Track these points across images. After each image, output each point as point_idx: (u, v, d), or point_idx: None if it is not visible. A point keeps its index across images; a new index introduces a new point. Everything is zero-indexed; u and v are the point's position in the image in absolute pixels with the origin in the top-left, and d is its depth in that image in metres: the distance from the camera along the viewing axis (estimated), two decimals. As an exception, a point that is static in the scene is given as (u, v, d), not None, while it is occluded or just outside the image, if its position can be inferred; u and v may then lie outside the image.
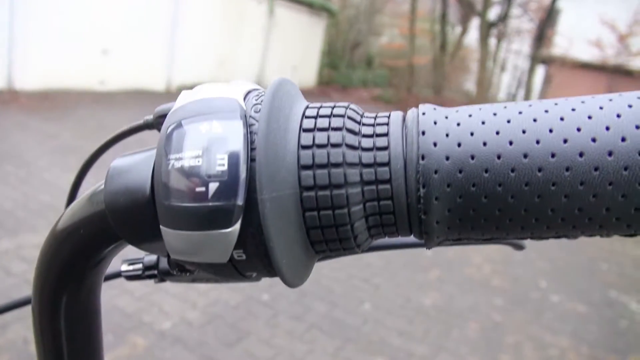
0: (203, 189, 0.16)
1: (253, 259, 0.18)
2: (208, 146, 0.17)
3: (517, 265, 3.43)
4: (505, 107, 0.17)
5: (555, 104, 0.17)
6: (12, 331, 1.82)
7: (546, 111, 0.16)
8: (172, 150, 0.17)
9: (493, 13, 13.91)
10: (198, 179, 0.16)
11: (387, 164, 0.17)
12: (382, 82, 14.96)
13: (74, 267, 0.23)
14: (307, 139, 0.18)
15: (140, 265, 0.35)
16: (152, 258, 0.34)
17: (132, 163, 0.20)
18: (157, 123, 0.27)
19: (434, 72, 14.23)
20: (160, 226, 0.18)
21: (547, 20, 13.64)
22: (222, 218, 0.16)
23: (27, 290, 2.09)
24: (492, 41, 14.75)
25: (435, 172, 0.17)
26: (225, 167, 0.16)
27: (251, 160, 0.17)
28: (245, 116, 0.18)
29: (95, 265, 0.23)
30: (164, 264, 0.34)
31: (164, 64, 8.75)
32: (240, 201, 0.16)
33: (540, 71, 15.29)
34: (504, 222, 0.17)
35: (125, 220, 0.19)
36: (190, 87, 0.23)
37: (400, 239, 0.37)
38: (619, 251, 4.25)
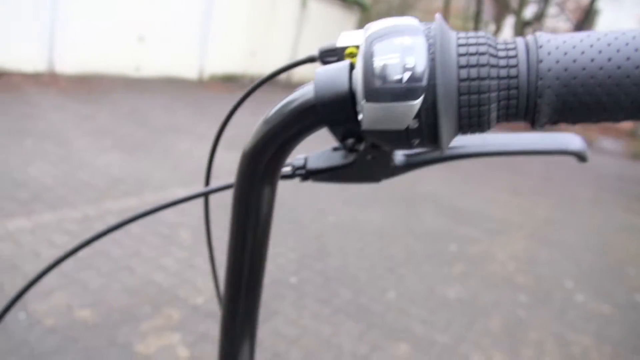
0: (400, 76, 0.25)
1: (422, 127, 0.27)
2: (402, 51, 0.26)
3: (542, 265, 3.42)
4: (598, 38, 0.26)
5: (627, 39, 0.25)
6: (56, 297, 1.93)
7: (616, 38, 0.25)
8: (376, 54, 0.26)
9: (529, 11, 13.68)
10: (397, 69, 0.25)
11: (516, 66, 0.26)
12: (411, 79, 14.81)
13: (277, 144, 0.32)
14: (462, 50, 0.26)
15: (289, 168, 0.43)
16: (300, 161, 0.43)
17: (332, 69, 0.29)
18: (321, 56, 0.38)
19: (465, 70, 14.05)
20: (364, 102, 0.26)
21: (585, 20, 13.33)
22: (411, 94, 0.25)
23: (68, 261, 2.20)
24: (526, 40, 14.43)
25: (549, 70, 0.25)
26: (414, 64, 0.25)
27: (430, 60, 0.26)
28: (425, 35, 0.26)
29: (290, 145, 0.32)
30: (310, 165, 0.41)
31: (197, 53, 8.89)
32: (424, 83, 0.25)
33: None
34: (593, 105, 0.25)
35: (330, 108, 0.29)
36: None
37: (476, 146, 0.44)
38: (647, 256, 4.19)
